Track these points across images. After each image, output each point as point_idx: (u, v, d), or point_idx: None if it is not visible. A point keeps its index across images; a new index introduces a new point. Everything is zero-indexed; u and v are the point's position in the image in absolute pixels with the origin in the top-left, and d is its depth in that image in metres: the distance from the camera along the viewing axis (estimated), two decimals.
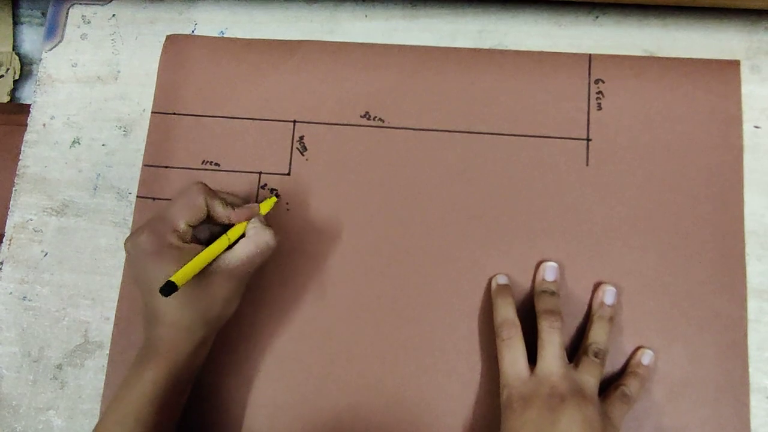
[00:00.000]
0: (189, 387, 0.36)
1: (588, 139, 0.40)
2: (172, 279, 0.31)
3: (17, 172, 0.45)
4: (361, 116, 0.42)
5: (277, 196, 0.41)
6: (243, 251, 0.34)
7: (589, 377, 0.33)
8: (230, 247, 0.34)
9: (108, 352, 0.41)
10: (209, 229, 0.37)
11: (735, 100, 0.39)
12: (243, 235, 0.35)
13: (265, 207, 0.38)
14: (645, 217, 0.38)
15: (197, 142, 0.43)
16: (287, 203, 0.41)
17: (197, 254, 0.33)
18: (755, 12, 0.40)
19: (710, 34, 0.40)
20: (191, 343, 0.34)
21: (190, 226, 0.34)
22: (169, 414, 0.34)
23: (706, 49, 0.40)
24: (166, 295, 0.30)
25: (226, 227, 0.36)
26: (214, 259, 0.34)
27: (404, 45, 0.43)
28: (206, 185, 0.35)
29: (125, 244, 0.34)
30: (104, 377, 0.40)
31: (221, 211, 0.35)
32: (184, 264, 0.32)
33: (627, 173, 0.39)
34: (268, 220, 0.37)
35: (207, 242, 0.34)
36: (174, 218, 0.34)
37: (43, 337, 0.42)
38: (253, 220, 0.36)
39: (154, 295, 0.32)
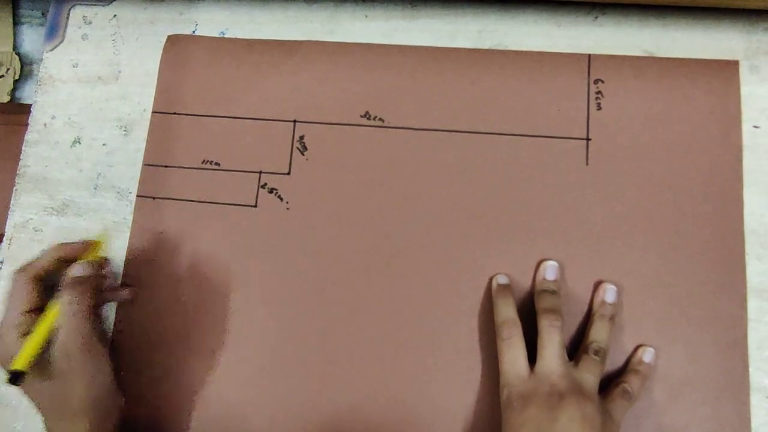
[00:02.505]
0: None
1: (588, 139, 0.40)
2: (14, 367, 0.31)
3: (18, 172, 0.45)
4: (361, 116, 0.42)
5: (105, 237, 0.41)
6: (60, 334, 0.34)
7: (589, 375, 0.33)
8: None
9: None
10: None
11: (734, 100, 0.39)
12: None
13: (95, 251, 0.38)
14: (645, 217, 0.38)
15: (198, 142, 0.43)
16: (287, 203, 0.41)
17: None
18: (754, 12, 0.40)
19: (709, 35, 0.40)
20: None
21: (26, 314, 0.34)
22: None
23: (706, 49, 0.40)
24: (16, 384, 0.31)
25: None
26: (48, 347, 0.33)
27: (404, 45, 0.43)
28: (22, 266, 0.35)
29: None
30: None
31: (46, 260, 0.36)
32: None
33: (627, 173, 0.39)
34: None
35: None
36: (10, 315, 0.34)
37: None
38: (60, 292, 0.35)
39: (28, 392, 0.33)
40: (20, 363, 0.31)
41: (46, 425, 0.34)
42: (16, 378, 0.31)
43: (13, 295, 0.35)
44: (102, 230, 0.40)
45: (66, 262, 0.36)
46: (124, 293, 0.40)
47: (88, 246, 0.38)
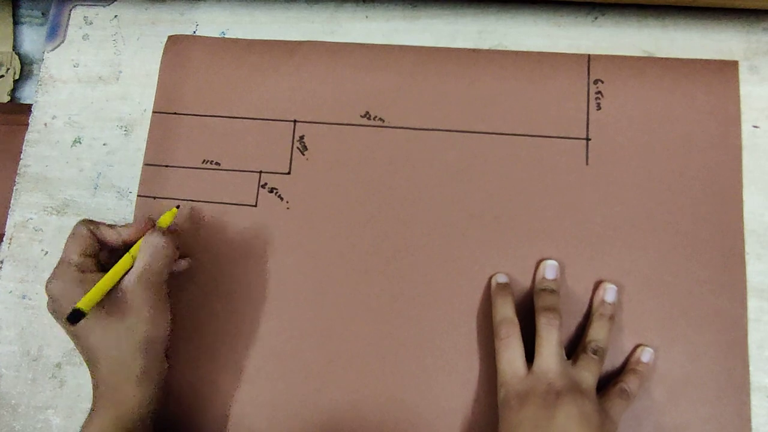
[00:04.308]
0: (147, 425, 0.35)
1: (588, 139, 0.40)
2: (78, 306, 0.31)
3: (18, 172, 0.45)
4: (361, 116, 0.42)
5: (177, 207, 0.40)
6: (139, 264, 0.34)
7: (587, 373, 0.33)
8: None
9: None
10: (117, 258, 0.37)
11: (734, 100, 0.39)
12: None
13: (165, 219, 0.38)
14: (645, 217, 0.38)
15: (198, 142, 0.43)
16: (288, 202, 0.41)
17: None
18: (754, 12, 0.40)
19: (709, 35, 0.41)
20: (132, 378, 0.33)
21: (85, 256, 0.35)
22: None
23: (705, 49, 0.40)
24: (74, 323, 0.31)
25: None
26: (120, 282, 0.34)
27: (404, 45, 0.43)
28: (87, 219, 0.36)
29: (47, 305, 0.34)
30: None
31: (111, 233, 0.36)
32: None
33: (627, 173, 0.39)
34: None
35: None
36: (66, 255, 0.35)
37: (43, 335, 0.42)
38: (148, 232, 0.36)
39: (81, 336, 0.33)
40: (85, 303, 0.31)
41: (95, 371, 0.34)
42: (76, 317, 0.31)
43: (72, 240, 0.35)
44: (173, 207, 0.40)
45: (123, 242, 0.37)
46: (183, 263, 0.40)
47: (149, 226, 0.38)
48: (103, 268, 0.36)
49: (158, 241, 0.35)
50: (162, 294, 0.35)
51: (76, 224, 0.36)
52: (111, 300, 0.33)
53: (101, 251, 0.37)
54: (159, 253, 0.35)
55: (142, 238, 0.36)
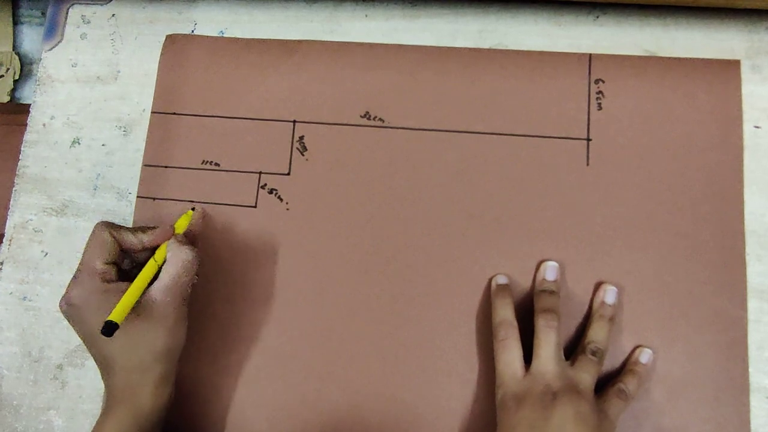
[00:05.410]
0: (161, 423, 0.35)
1: (588, 139, 0.40)
2: (110, 318, 0.31)
3: (17, 172, 0.45)
4: (361, 116, 0.42)
5: (193, 209, 0.41)
6: (167, 276, 0.34)
7: (585, 374, 0.33)
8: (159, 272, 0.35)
9: None
10: (135, 263, 0.37)
11: (735, 99, 0.39)
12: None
13: (182, 223, 0.38)
14: (645, 217, 0.38)
15: (197, 142, 0.43)
16: (287, 203, 0.41)
17: (127, 289, 0.33)
18: (756, 12, 0.40)
19: (711, 34, 0.40)
20: (149, 384, 0.34)
21: (108, 264, 0.34)
22: None
23: (707, 48, 0.40)
24: (109, 335, 0.31)
25: (152, 255, 0.36)
26: (146, 291, 0.34)
27: (404, 45, 0.43)
28: (108, 221, 0.36)
29: (60, 307, 0.34)
30: None
31: (132, 239, 0.36)
32: (117, 301, 0.32)
33: (627, 173, 0.39)
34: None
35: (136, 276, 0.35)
36: (89, 262, 0.34)
37: (44, 337, 0.42)
38: (169, 241, 0.36)
39: (99, 343, 0.33)
40: (117, 315, 0.31)
41: (112, 376, 0.34)
42: (110, 329, 0.31)
43: (93, 244, 0.35)
44: (188, 210, 0.40)
45: (143, 248, 0.36)
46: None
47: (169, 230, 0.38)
48: (121, 271, 0.36)
49: (188, 255, 0.35)
50: (185, 305, 0.35)
51: (97, 227, 0.35)
52: (136, 308, 0.33)
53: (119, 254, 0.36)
54: (188, 266, 0.35)
55: (167, 246, 0.36)
